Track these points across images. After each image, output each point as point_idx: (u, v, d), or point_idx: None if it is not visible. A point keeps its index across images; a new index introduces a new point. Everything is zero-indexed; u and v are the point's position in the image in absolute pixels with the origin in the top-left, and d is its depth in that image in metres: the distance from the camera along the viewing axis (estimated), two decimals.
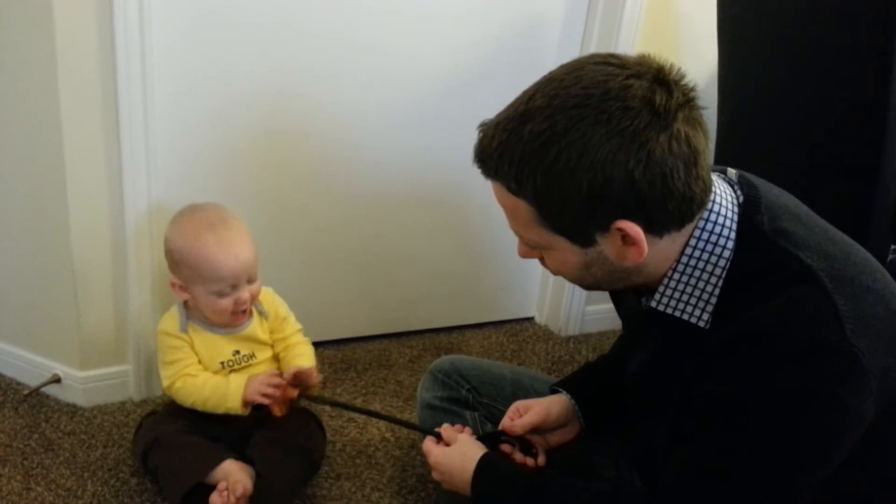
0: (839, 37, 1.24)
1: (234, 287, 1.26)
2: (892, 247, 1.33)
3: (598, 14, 1.65)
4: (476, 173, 1.86)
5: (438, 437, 1.10)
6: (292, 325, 1.40)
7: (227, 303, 1.26)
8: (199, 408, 1.28)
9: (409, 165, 1.68)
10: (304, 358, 1.36)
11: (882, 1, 1.14)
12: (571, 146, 0.77)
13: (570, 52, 1.67)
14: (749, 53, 1.44)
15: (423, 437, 1.32)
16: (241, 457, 1.26)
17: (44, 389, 1.52)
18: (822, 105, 1.30)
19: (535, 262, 1.98)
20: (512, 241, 1.84)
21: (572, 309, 1.88)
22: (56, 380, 1.51)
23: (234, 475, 1.21)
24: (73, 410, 1.49)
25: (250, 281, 1.29)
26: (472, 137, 1.74)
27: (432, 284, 1.82)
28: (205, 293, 1.26)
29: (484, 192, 1.76)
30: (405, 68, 1.59)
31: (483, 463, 1.03)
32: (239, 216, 1.31)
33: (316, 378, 1.31)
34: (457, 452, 1.06)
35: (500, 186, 0.85)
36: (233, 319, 1.31)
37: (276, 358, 1.40)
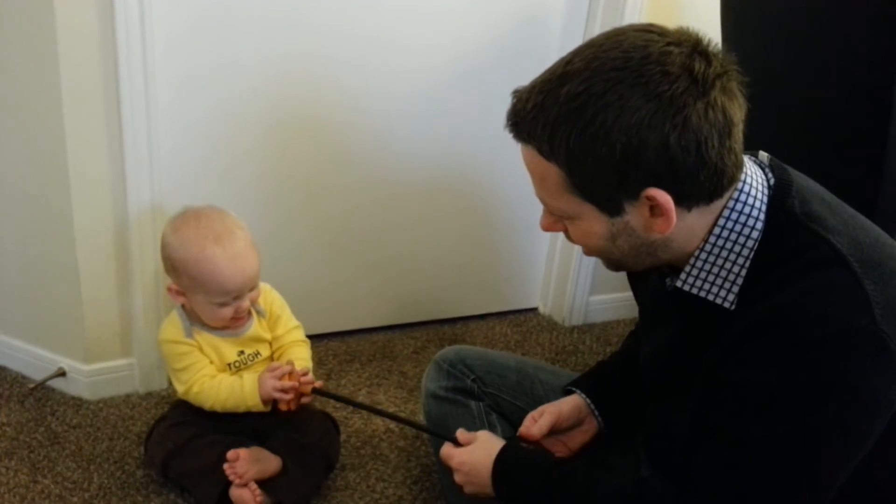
0: (843, 24, 1.23)
1: (237, 298, 1.26)
2: None
3: (600, 1, 1.65)
4: (484, 161, 1.87)
5: (456, 443, 1.09)
6: (285, 324, 1.37)
7: (227, 311, 1.26)
8: (220, 409, 1.27)
9: (413, 155, 1.68)
10: (298, 362, 1.33)
11: None
12: (608, 108, 0.77)
13: (572, 41, 1.66)
14: (752, 41, 1.43)
15: (429, 437, 1.32)
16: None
17: (49, 383, 1.52)
18: (826, 94, 1.30)
19: (540, 252, 2.00)
20: (517, 231, 1.86)
21: (576, 299, 1.87)
22: (61, 373, 1.51)
23: (244, 458, 1.22)
24: (78, 403, 1.50)
25: (251, 289, 1.28)
26: (477, 126, 1.75)
27: (436, 275, 1.82)
28: (205, 302, 1.26)
29: (487, 182, 1.77)
30: (409, 57, 1.59)
31: (504, 452, 1.02)
32: (241, 222, 1.29)
33: (307, 379, 1.26)
34: (480, 449, 1.04)
35: (532, 150, 0.83)
36: (231, 324, 1.30)
37: (271, 359, 1.39)
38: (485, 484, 1.02)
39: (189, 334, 1.29)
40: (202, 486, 1.24)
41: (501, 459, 1.01)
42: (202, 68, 1.44)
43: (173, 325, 1.31)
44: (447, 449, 1.08)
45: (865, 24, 1.20)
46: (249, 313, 1.33)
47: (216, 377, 1.28)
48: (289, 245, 1.63)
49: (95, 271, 1.43)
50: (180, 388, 1.29)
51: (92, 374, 1.50)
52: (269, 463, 1.25)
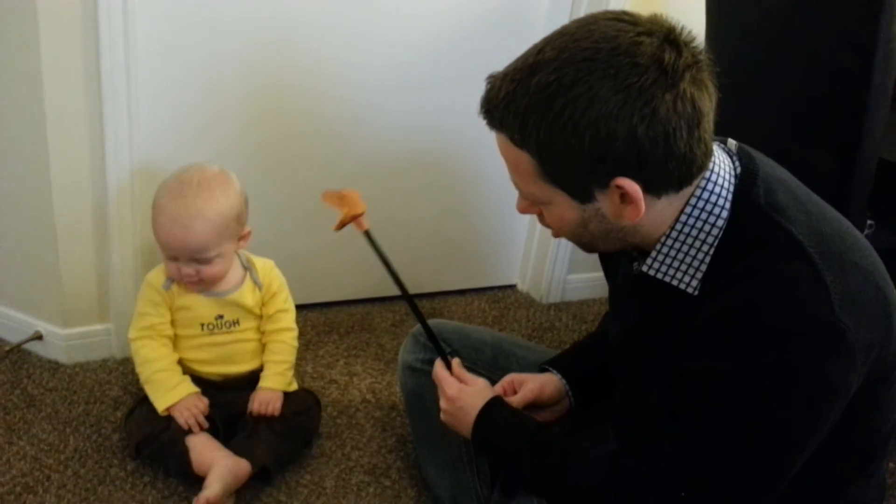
0: (823, 11, 1.25)
1: (175, 259, 1.26)
2: (869, 222, 1.35)
3: None
4: (466, 136, 1.87)
5: (448, 365, 1.11)
6: (278, 304, 1.36)
7: (172, 268, 1.28)
8: (139, 377, 1.32)
9: (394, 128, 1.67)
10: (274, 378, 1.34)
11: None
12: (577, 99, 0.77)
13: (559, 18, 1.65)
14: (736, 28, 1.44)
15: (405, 406, 1.33)
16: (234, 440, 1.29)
17: (26, 346, 1.52)
18: (805, 80, 1.31)
19: (520, 230, 2.01)
20: (497, 208, 1.86)
21: (554, 277, 1.90)
22: (38, 337, 1.51)
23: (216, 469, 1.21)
24: (54, 367, 1.50)
25: (200, 261, 1.25)
26: (461, 100, 1.74)
27: (416, 250, 1.82)
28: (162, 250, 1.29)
29: (469, 158, 1.77)
30: (392, 28, 1.58)
31: (491, 404, 1.04)
32: (230, 179, 1.30)
33: (273, 407, 1.31)
34: (477, 395, 1.06)
35: (504, 138, 0.84)
36: (187, 286, 1.31)
37: (258, 330, 1.38)
38: (467, 427, 1.05)
39: (167, 286, 1.31)
40: (173, 468, 1.28)
41: (488, 411, 1.04)
42: (182, 28, 1.42)
43: (159, 271, 1.33)
44: (443, 372, 1.10)
45: (846, 11, 1.21)
46: (251, 280, 1.35)
47: (160, 353, 1.30)
48: (266, 213, 1.61)
49: (73, 235, 1.42)
50: (130, 333, 1.33)
51: (69, 339, 1.50)
52: (241, 472, 1.23)
